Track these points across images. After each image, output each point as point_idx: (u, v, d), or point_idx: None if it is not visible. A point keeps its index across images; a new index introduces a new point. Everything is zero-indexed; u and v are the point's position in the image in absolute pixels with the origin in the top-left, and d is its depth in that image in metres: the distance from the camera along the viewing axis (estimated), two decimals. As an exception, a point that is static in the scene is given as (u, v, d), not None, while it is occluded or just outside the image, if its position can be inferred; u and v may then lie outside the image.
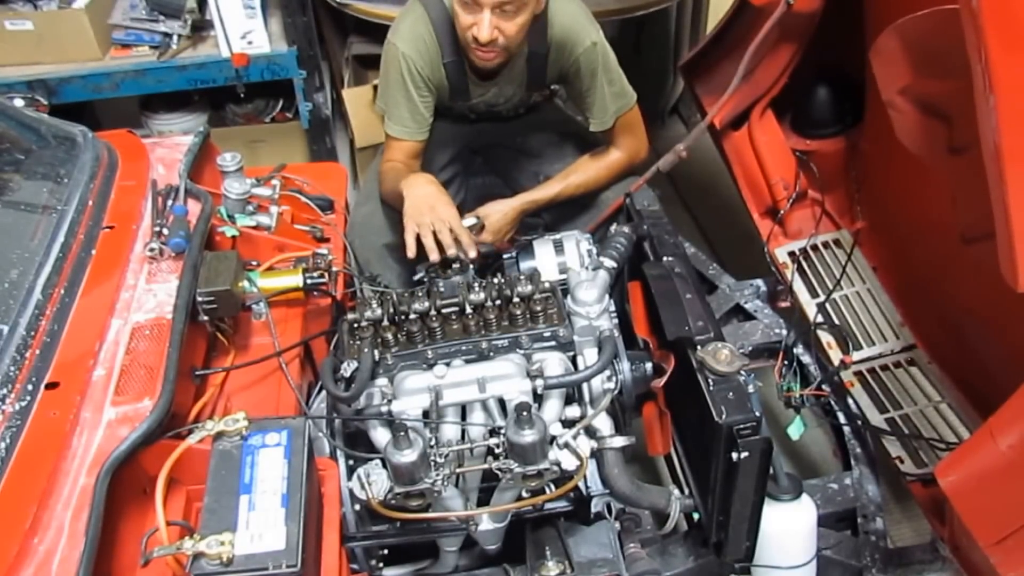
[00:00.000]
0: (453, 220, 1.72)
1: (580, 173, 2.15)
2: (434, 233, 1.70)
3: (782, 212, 2.27)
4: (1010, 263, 1.25)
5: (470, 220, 1.98)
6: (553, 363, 1.43)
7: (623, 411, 1.49)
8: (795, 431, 1.83)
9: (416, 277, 1.75)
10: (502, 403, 1.40)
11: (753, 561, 1.48)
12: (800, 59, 2.12)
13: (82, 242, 1.46)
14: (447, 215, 1.72)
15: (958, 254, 1.81)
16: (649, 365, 1.49)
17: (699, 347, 1.40)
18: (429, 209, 1.73)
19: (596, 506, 1.54)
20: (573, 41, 1.98)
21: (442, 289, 1.57)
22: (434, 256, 1.69)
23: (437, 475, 1.31)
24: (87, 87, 2.88)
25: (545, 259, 1.78)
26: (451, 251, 1.69)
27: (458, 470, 1.38)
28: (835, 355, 2.08)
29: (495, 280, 1.50)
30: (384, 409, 1.36)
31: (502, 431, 1.32)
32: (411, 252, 1.71)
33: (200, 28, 2.95)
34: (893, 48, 1.74)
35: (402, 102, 2.03)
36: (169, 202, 1.58)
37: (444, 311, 1.45)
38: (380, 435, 1.39)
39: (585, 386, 1.45)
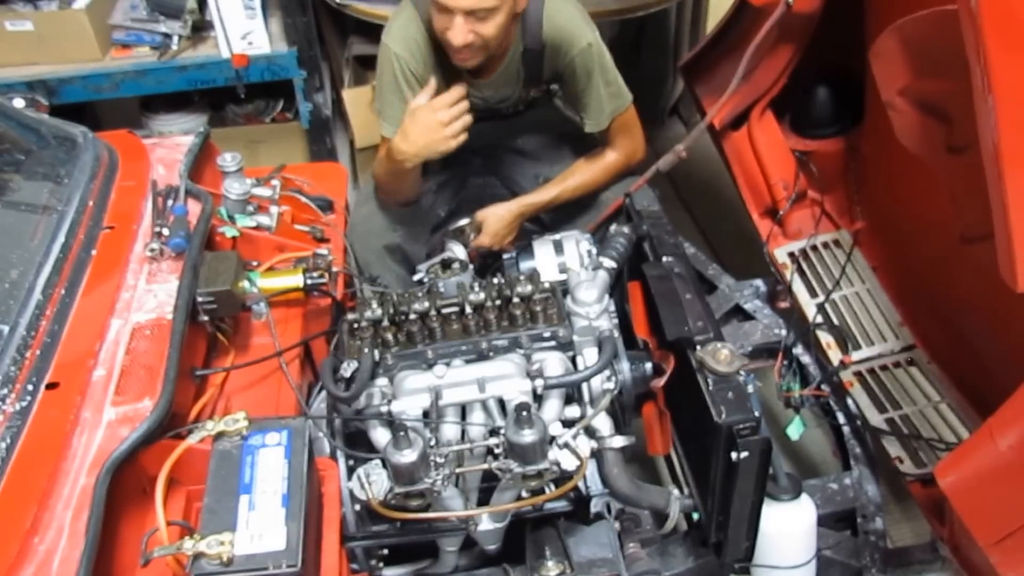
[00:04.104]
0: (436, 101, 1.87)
1: (577, 176, 2.15)
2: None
3: (782, 212, 2.27)
4: (1009, 263, 1.25)
5: (464, 222, 1.98)
6: (553, 363, 1.43)
7: (623, 411, 1.49)
8: (795, 431, 1.83)
9: (416, 277, 1.75)
10: (502, 403, 1.40)
11: (753, 561, 1.48)
12: (800, 59, 2.12)
13: (82, 242, 1.45)
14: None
15: (958, 254, 1.81)
16: (649, 365, 1.49)
17: (699, 347, 1.40)
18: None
19: (596, 506, 1.54)
20: (568, 42, 1.98)
21: (442, 289, 1.57)
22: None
23: (437, 475, 1.31)
24: (87, 87, 2.88)
25: (545, 259, 1.78)
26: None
27: (458, 470, 1.38)
28: (834, 355, 2.07)
29: (495, 280, 1.50)
30: (384, 409, 1.36)
31: (502, 431, 1.32)
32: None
33: (200, 28, 2.95)
34: (893, 48, 1.74)
35: (396, 103, 2.03)
36: (169, 202, 1.58)
37: (444, 311, 1.44)
38: (380, 435, 1.39)
39: (585, 386, 1.45)
